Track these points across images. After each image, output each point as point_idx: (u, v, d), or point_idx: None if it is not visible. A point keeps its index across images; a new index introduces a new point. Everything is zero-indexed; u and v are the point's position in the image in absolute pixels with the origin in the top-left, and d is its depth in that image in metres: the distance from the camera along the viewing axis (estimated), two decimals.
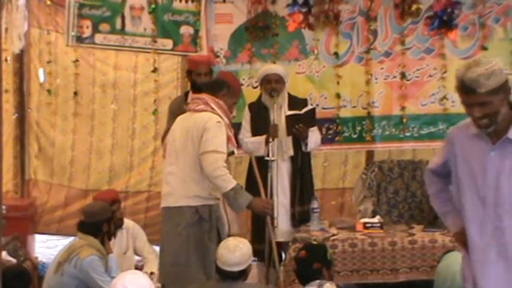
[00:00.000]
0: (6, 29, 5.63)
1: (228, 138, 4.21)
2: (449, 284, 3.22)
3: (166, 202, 4.29)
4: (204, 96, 4.33)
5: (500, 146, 2.79)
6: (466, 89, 2.70)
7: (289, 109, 5.21)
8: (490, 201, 2.81)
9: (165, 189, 4.32)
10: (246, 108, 5.41)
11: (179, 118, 4.47)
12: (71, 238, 4.85)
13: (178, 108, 5.09)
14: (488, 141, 2.82)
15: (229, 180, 4.08)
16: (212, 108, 4.23)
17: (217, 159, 4.06)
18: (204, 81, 5.15)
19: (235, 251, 3.54)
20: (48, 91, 6.29)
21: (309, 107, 5.27)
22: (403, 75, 5.70)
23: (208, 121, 4.15)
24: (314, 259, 3.66)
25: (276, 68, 5.36)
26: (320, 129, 5.49)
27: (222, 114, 4.24)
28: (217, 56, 5.80)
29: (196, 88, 5.18)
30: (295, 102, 5.31)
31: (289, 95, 5.36)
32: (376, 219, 5.00)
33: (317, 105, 5.61)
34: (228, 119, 4.28)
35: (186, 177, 4.20)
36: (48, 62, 6.30)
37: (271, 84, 5.23)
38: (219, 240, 4.06)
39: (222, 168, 4.06)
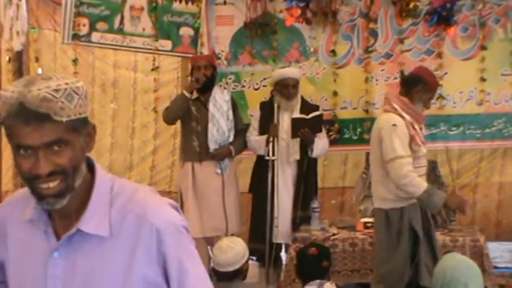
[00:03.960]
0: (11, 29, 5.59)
1: (411, 138, 4.08)
2: (441, 281, 3.21)
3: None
4: (390, 96, 4.33)
5: (68, 242, 1.61)
6: (30, 115, 1.48)
7: (301, 113, 5.19)
8: None
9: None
10: (257, 106, 5.41)
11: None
12: None
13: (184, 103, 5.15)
14: (50, 233, 1.63)
15: (418, 184, 3.98)
16: (394, 109, 4.16)
17: (401, 166, 3.97)
18: (206, 75, 5.10)
19: (227, 251, 3.63)
20: None
21: (316, 113, 5.21)
22: None
23: (383, 127, 4.11)
24: (324, 257, 3.72)
25: (294, 73, 5.29)
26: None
27: (404, 112, 4.13)
28: (219, 58, 5.77)
29: (196, 88, 5.14)
30: (308, 106, 5.29)
31: (302, 99, 5.32)
32: None
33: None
34: (412, 117, 4.13)
35: (377, 179, 4.24)
36: (47, 61, 6.25)
37: (289, 89, 5.18)
38: (416, 240, 4.08)
39: (408, 174, 3.95)
